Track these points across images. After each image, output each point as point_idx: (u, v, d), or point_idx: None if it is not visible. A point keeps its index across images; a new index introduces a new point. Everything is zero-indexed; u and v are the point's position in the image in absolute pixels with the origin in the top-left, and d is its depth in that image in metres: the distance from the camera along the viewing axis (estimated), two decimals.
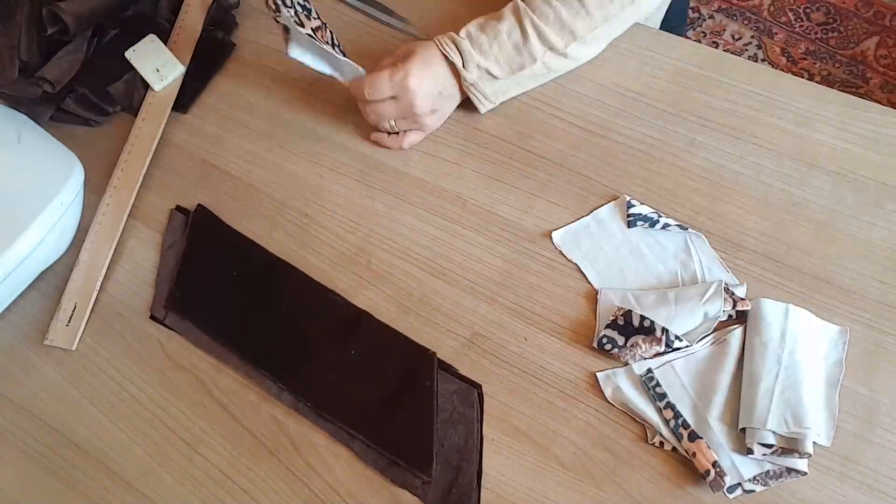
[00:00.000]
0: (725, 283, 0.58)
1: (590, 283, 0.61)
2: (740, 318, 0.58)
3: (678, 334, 0.56)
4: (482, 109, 0.67)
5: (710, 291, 0.58)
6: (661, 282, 0.60)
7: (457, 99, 0.67)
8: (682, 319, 0.57)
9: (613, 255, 0.62)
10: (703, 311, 0.57)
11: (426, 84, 0.63)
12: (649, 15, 0.66)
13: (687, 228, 0.61)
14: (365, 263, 0.64)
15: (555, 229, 0.63)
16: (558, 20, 0.62)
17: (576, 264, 0.62)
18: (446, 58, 0.63)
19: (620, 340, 0.57)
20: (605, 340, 0.57)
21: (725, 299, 0.57)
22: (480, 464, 0.55)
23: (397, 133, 0.67)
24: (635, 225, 0.61)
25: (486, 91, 0.65)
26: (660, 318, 0.57)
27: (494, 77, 0.64)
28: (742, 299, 0.58)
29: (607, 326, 0.58)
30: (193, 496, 0.56)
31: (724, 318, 0.57)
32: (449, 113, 0.68)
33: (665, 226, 0.61)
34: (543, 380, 0.58)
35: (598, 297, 0.60)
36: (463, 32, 0.64)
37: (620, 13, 0.63)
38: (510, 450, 0.56)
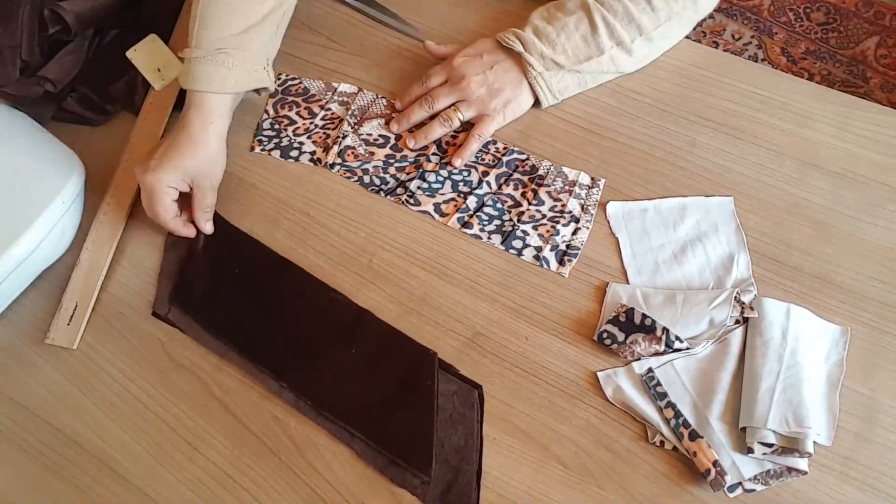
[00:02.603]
0: (737, 292, 0.58)
1: (621, 260, 0.61)
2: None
3: (680, 336, 0.56)
4: (545, 103, 0.68)
5: (720, 299, 0.57)
6: (691, 288, 0.60)
7: (523, 89, 0.67)
8: (686, 323, 0.57)
9: (657, 247, 0.62)
10: (709, 317, 0.57)
11: (475, 62, 0.67)
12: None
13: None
14: (366, 263, 0.64)
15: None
16: (627, 14, 0.64)
17: (616, 238, 0.63)
18: (507, 48, 0.66)
19: (620, 337, 0.57)
20: (604, 335, 0.57)
21: (733, 306, 0.57)
22: (480, 464, 0.55)
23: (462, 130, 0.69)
24: None
25: (552, 83, 0.66)
26: (664, 320, 0.57)
27: (560, 66, 0.65)
28: (750, 307, 0.57)
29: (609, 322, 0.58)
30: (195, 495, 0.56)
31: (731, 323, 0.57)
32: (521, 102, 0.68)
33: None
34: (544, 379, 0.58)
35: (606, 290, 0.60)
36: (528, 26, 0.66)
37: (682, 13, 0.65)
38: (511, 449, 0.56)
